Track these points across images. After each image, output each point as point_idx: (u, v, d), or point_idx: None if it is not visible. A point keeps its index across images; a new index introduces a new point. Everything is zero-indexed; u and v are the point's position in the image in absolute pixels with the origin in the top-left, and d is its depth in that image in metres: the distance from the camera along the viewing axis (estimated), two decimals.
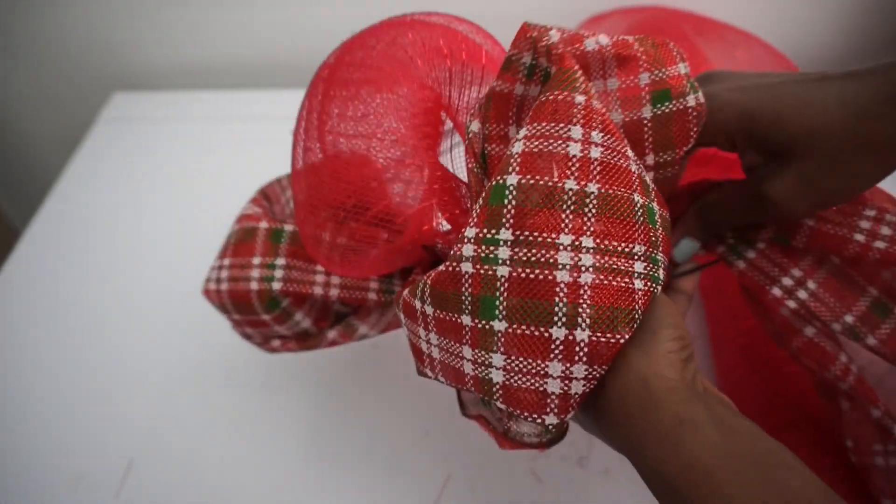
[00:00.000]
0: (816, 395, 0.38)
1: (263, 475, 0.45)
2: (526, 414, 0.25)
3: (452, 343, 0.26)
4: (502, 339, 0.25)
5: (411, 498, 0.43)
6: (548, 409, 0.25)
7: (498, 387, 0.25)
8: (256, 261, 0.37)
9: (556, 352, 0.24)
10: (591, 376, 0.25)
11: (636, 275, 0.25)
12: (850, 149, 0.26)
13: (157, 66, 0.79)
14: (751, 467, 0.22)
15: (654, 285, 0.26)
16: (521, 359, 0.25)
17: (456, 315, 0.26)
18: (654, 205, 0.27)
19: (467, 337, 0.26)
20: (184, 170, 0.69)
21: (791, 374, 0.42)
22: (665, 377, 0.25)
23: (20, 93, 0.83)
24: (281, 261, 0.37)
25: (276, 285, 0.36)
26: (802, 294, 0.31)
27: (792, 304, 0.32)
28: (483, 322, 0.25)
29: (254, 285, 0.36)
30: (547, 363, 0.24)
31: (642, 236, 0.26)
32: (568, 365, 0.24)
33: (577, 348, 0.24)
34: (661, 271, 0.26)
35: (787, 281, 0.32)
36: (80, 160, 0.72)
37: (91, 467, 0.47)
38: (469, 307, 0.25)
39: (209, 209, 0.56)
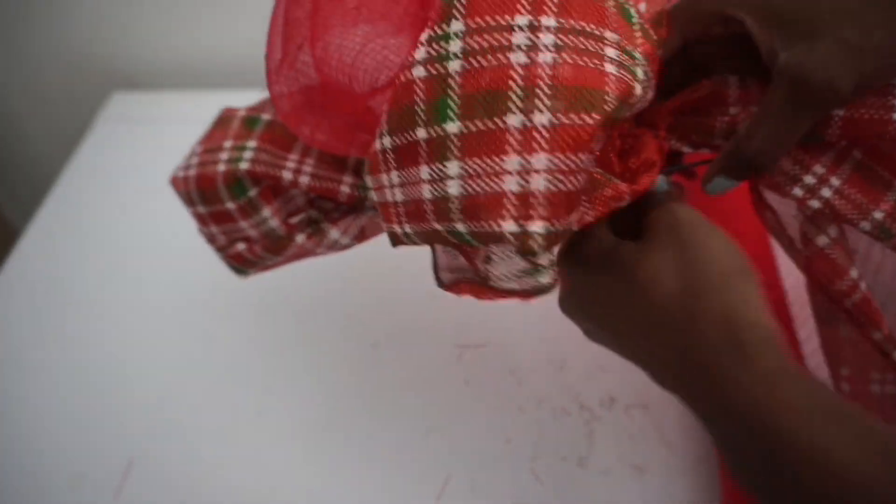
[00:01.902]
0: None
1: (263, 475, 0.45)
2: (483, 224, 0.23)
3: (411, 170, 0.24)
4: (456, 143, 0.23)
5: (411, 498, 0.43)
6: (504, 212, 0.22)
7: (456, 201, 0.23)
8: (227, 144, 0.35)
9: (513, 143, 0.22)
10: (557, 168, 0.22)
11: (608, 59, 0.22)
12: None
13: (156, 66, 0.79)
14: (836, 418, 0.21)
15: (631, 77, 0.23)
16: (475, 160, 0.22)
17: (411, 132, 0.24)
18: (632, 9, 0.25)
19: (423, 153, 0.24)
20: None
21: None
22: (761, 325, 0.23)
23: (20, 93, 0.83)
24: (252, 143, 0.35)
25: (244, 165, 0.34)
26: (826, 192, 0.29)
27: (815, 203, 0.29)
28: (437, 128, 0.23)
29: (221, 167, 0.35)
30: (502, 158, 0.22)
31: (615, 25, 0.23)
32: (526, 157, 0.22)
33: (537, 135, 0.22)
34: (640, 70, 0.23)
35: (809, 179, 0.29)
36: (80, 160, 0.72)
37: (91, 467, 0.47)
38: (423, 117, 0.23)
39: None
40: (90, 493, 0.46)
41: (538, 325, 0.50)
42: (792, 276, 0.50)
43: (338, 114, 0.30)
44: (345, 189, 0.34)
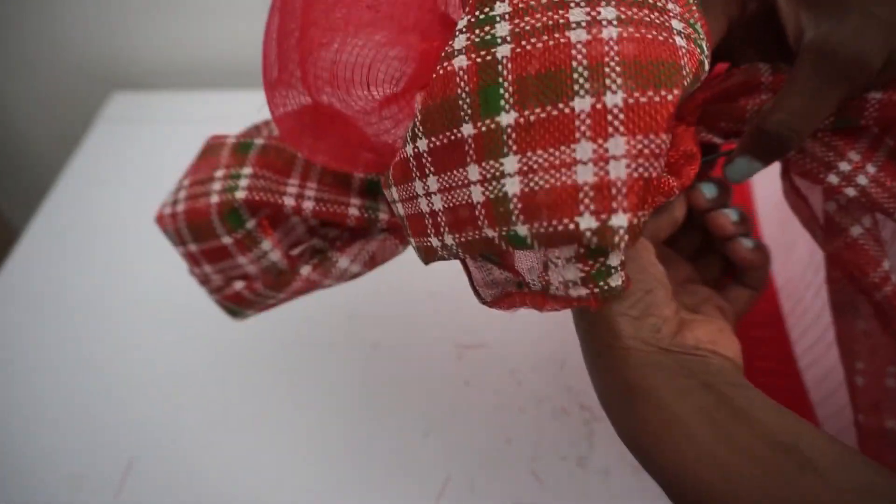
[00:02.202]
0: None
1: (263, 475, 0.45)
2: (551, 223, 0.20)
3: (455, 172, 0.22)
4: (513, 135, 0.20)
5: (411, 498, 0.43)
6: (580, 207, 0.20)
7: (515, 200, 0.20)
8: (219, 173, 0.32)
9: (583, 129, 0.19)
10: (637, 151, 0.19)
11: (675, 31, 0.20)
12: None
13: (157, 66, 0.79)
14: (703, 423, 0.22)
15: (699, 51, 0.21)
16: (538, 152, 0.20)
17: (455, 130, 0.21)
18: None
19: (471, 152, 0.21)
20: (183, 170, 0.69)
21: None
22: (620, 335, 0.24)
23: (20, 93, 0.83)
24: (247, 170, 0.32)
25: (240, 194, 0.31)
26: (862, 180, 0.28)
27: (851, 191, 0.28)
28: (487, 121, 0.20)
29: (214, 198, 0.31)
30: (572, 146, 0.20)
31: None
32: (600, 142, 0.19)
33: (610, 117, 0.19)
34: (704, 44, 0.21)
35: (844, 166, 0.28)
36: (80, 160, 0.72)
37: (91, 467, 0.47)
38: (469, 110, 0.21)
39: None
40: (90, 493, 0.46)
41: (538, 325, 0.50)
42: (781, 277, 0.50)
43: (333, 134, 0.29)
44: (353, 211, 0.32)
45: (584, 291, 0.22)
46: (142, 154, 0.72)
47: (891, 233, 0.31)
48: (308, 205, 0.31)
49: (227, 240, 0.32)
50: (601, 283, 0.22)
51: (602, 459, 0.44)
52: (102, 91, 0.80)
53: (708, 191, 0.30)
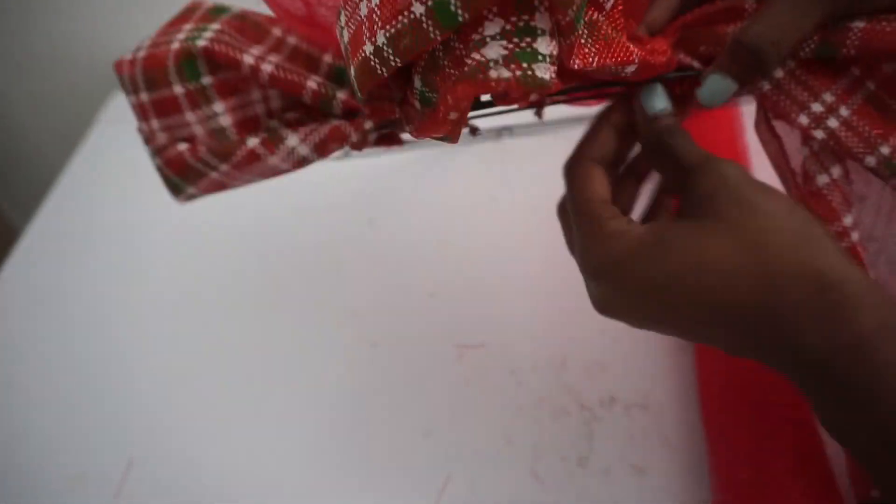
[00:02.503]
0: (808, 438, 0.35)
1: (263, 475, 0.46)
2: None
3: None
4: None
5: (411, 498, 0.43)
6: None
7: None
8: (188, 26, 0.32)
9: None
10: None
11: None
12: None
13: None
14: None
15: None
16: None
17: None
18: None
19: None
20: None
21: (782, 418, 0.39)
22: (851, 279, 0.22)
23: (20, 93, 0.83)
24: (215, 25, 0.32)
25: (201, 42, 0.31)
26: (833, 122, 0.27)
27: (820, 134, 0.27)
28: None
29: (175, 45, 0.31)
30: None
31: None
32: None
33: None
34: None
35: (816, 107, 0.27)
36: (80, 160, 0.72)
37: (91, 467, 0.47)
38: None
39: (208, 209, 0.55)
40: (90, 493, 0.46)
41: (538, 325, 0.50)
42: None
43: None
44: (311, 85, 0.31)
45: (505, 73, 0.21)
46: (142, 154, 0.72)
47: (875, 187, 0.30)
48: (267, 68, 0.31)
49: (178, 89, 0.32)
50: (525, 67, 0.21)
51: (602, 459, 0.44)
52: (102, 91, 0.80)
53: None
